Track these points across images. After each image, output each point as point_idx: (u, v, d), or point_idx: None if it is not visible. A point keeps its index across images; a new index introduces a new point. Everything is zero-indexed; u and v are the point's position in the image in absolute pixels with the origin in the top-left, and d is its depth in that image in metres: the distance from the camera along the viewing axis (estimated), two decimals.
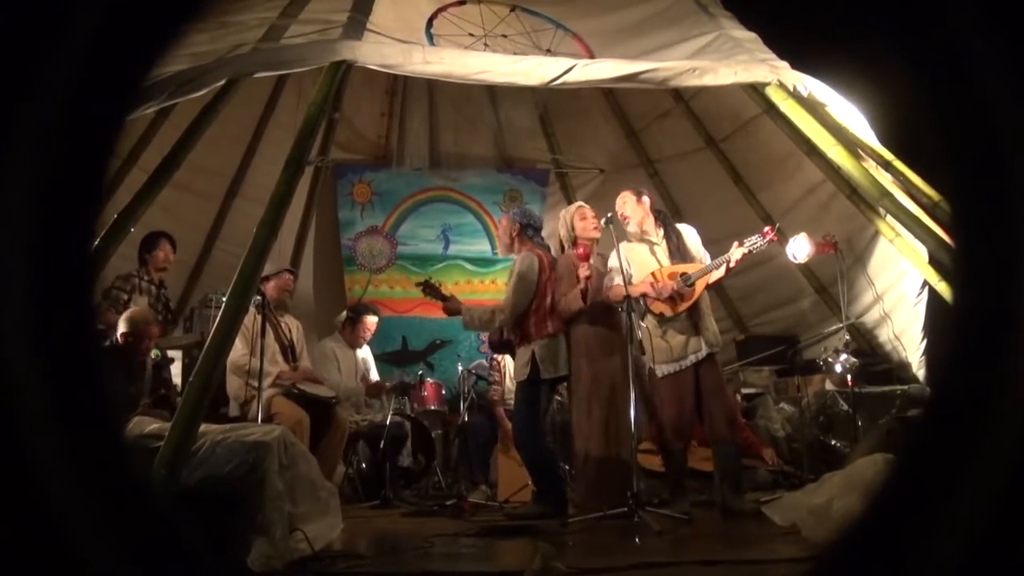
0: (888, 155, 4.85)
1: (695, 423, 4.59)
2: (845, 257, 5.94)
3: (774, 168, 6.70)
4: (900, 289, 6.12)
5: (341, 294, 7.38)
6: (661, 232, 4.71)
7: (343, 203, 7.52)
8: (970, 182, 1.24)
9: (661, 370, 4.53)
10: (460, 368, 6.01)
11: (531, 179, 7.84)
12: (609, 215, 4.57)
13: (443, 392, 6.55)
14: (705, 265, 4.54)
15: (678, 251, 4.63)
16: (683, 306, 4.50)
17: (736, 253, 4.40)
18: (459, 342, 7.29)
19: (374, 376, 6.23)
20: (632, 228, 4.70)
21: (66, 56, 1.26)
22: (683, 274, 4.50)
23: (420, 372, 6.41)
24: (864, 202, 5.84)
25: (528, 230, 4.88)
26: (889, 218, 5.34)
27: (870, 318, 6.52)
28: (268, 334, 4.91)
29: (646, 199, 4.76)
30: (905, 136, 5.15)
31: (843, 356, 5.61)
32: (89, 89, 1.29)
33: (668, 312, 4.52)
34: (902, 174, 4.75)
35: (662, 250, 4.66)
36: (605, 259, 4.77)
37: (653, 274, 4.56)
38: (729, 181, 7.12)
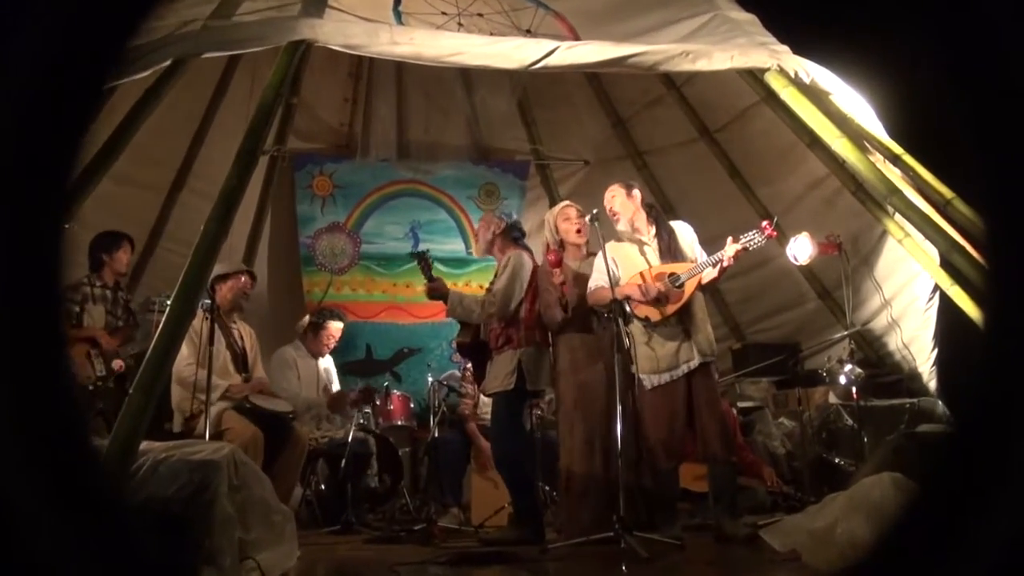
0: (897, 148, 4.90)
1: (687, 439, 4.58)
2: (850, 259, 5.99)
3: (774, 162, 6.74)
4: (909, 294, 6.18)
5: (299, 297, 7.33)
6: (653, 230, 4.69)
7: (301, 197, 7.47)
8: (1009, 192, 1.23)
9: (649, 381, 4.51)
10: (430, 379, 5.98)
11: (509, 172, 7.83)
12: (595, 212, 4.53)
13: (411, 406, 6.53)
14: (696, 264, 4.51)
15: (669, 250, 4.61)
16: (671, 309, 4.47)
17: (730, 250, 4.36)
18: (429, 351, 7.27)
19: (336, 388, 6.20)
20: (622, 226, 4.69)
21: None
22: (671, 274, 4.48)
23: (386, 383, 6.38)
24: (871, 199, 5.89)
25: (513, 230, 4.92)
26: (898, 217, 5.39)
27: (877, 325, 6.58)
28: (218, 341, 4.87)
29: (637, 193, 4.75)
30: (916, 128, 5.21)
31: (848, 366, 5.65)
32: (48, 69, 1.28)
33: (655, 316, 4.49)
34: (912, 169, 4.80)
35: (652, 249, 4.64)
36: (592, 262, 4.76)
37: (641, 274, 4.54)
38: (725, 175, 7.15)
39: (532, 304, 4.66)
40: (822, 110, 4.78)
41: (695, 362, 4.46)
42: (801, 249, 5.44)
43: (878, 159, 4.90)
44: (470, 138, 7.90)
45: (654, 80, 7.04)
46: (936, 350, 6.20)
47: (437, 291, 4.82)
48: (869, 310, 6.57)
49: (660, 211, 4.88)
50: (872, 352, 6.68)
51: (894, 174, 4.86)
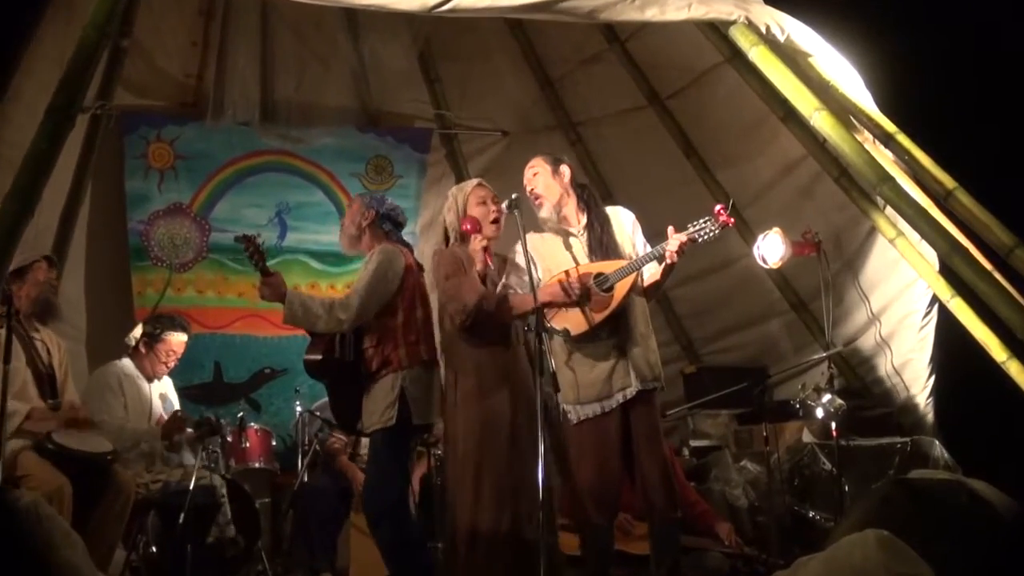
0: (890, 126, 5.03)
1: (624, 488, 4.61)
2: (831, 262, 6.11)
3: (739, 138, 6.87)
4: (902, 307, 6.35)
5: (127, 300, 7.21)
6: (584, 219, 4.66)
7: (133, 169, 7.34)
8: None
9: (575, 413, 4.49)
10: (299, 409, 5.91)
11: (405, 142, 7.82)
12: (514, 196, 4.42)
13: (273, 443, 6.46)
14: (629, 262, 4.45)
15: (601, 244, 4.57)
16: (595, 318, 4.43)
17: (672, 243, 4.31)
18: (297, 372, 7.16)
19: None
20: (545, 212, 4.65)
21: None
22: (598, 274, 4.44)
23: (241, 414, 6.28)
24: (857, 188, 6.04)
25: (385, 221, 4.87)
26: (889, 210, 5.54)
27: (863, 345, 6.75)
28: (16, 355, 4.73)
29: (565, 170, 4.71)
30: (914, 102, 5.37)
31: (826, 397, 5.75)
32: None
33: (575, 328, 4.44)
34: (908, 152, 4.94)
35: (581, 243, 4.62)
36: (504, 262, 4.74)
37: (567, 272, 4.48)
38: (679, 153, 7.26)
39: (410, 311, 4.63)
40: (799, 75, 4.88)
41: (632, 390, 4.43)
42: (771, 249, 5.53)
43: (867, 138, 5.03)
44: (356, 99, 7.85)
45: (593, 32, 7.11)
46: (933, 377, 6.38)
47: (271, 291, 4.59)
48: (853, 326, 6.73)
49: (594, 195, 4.83)
50: (856, 379, 6.85)
51: (886, 158, 4.99)
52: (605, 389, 4.45)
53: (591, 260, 4.54)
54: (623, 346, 4.48)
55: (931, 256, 5.44)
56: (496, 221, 4.74)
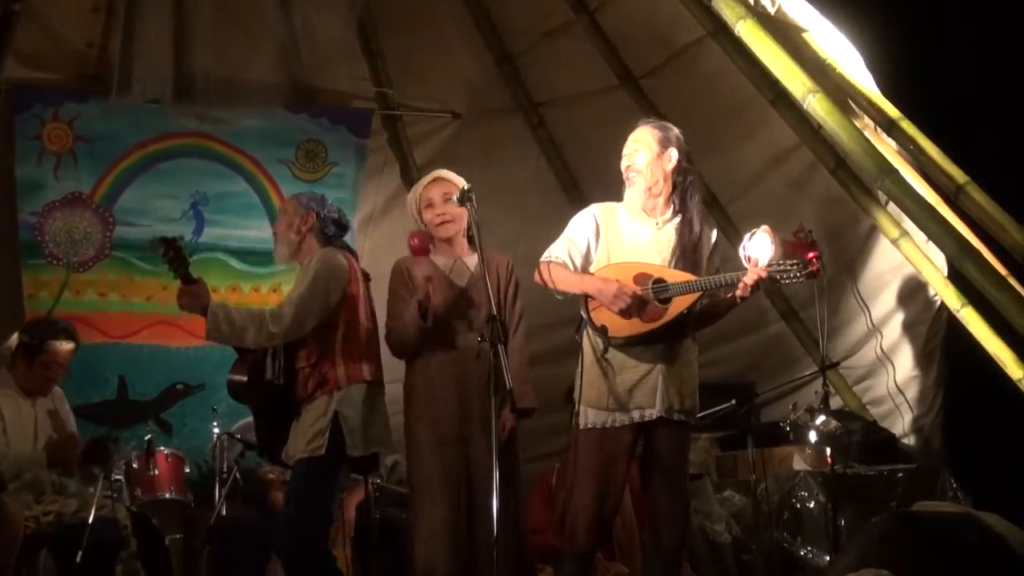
0: (894, 111, 5.08)
1: (613, 517, 4.62)
2: (827, 266, 6.15)
3: (723, 123, 6.89)
4: (907, 316, 6.40)
5: (16, 304, 7.13)
6: (670, 213, 4.58)
7: (25, 152, 7.26)
8: None
9: (587, 417, 4.46)
10: (216, 431, 5.86)
11: (342, 125, 7.81)
12: (465, 187, 4.51)
13: (186, 470, 6.42)
14: (698, 279, 4.39)
15: (692, 251, 4.51)
16: (641, 328, 4.41)
17: (750, 275, 4.28)
18: (214, 388, 7.14)
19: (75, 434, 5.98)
20: (634, 194, 4.57)
21: None
22: (658, 280, 4.42)
23: (149, 436, 6.24)
24: (856, 182, 6.08)
25: (328, 224, 4.81)
26: (892, 207, 5.59)
27: (862, 360, 6.80)
28: None
29: (673, 155, 4.55)
30: (923, 85, 5.41)
31: (820, 418, 5.78)
32: None
33: (613, 329, 4.42)
34: (914, 141, 4.99)
35: (661, 239, 4.55)
36: (492, 264, 4.72)
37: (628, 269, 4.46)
38: None
39: (352, 325, 4.60)
40: (791, 53, 4.92)
41: (651, 412, 4.41)
42: (759, 249, 5.52)
43: (867, 125, 5.07)
44: (285, 74, 7.79)
45: (557, 1, 7.12)
46: (941, 396, 6.43)
47: (192, 298, 4.51)
48: (851, 339, 6.78)
49: (699, 186, 4.71)
50: (854, 398, 6.89)
51: (889, 147, 5.04)
52: (622, 401, 4.43)
53: (674, 264, 4.51)
54: (659, 364, 4.45)
55: (939, 259, 5.49)
56: (444, 223, 4.79)
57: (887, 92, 5.21)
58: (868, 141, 4.84)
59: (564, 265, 4.48)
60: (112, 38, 7.46)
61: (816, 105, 4.83)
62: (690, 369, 4.56)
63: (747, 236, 4.99)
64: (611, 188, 6.68)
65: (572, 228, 4.60)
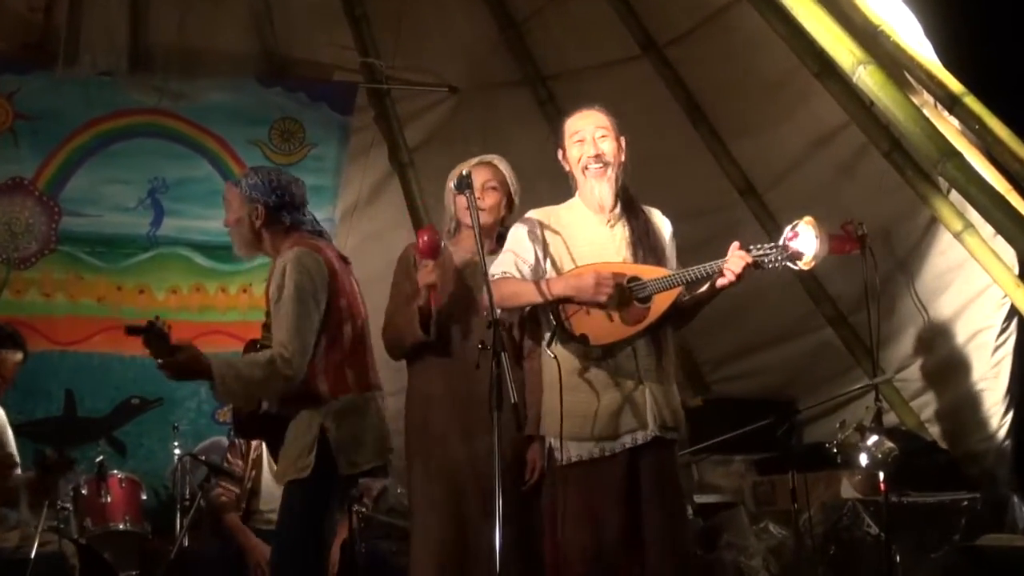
0: (958, 86, 5.05)
1: (621, 558, 4.61)
2: (879, 262, 6.14)
3: (759, 98, 6.90)
4: (971, 322, 6.38)
5: None
6: (619, 206, 4.65)
7: None
8: None
9: (569, 451, 4.44)
10: (177, 452, 5.85)
11: (322, 100, 7.82)
12: (464, 172, 4.51)
13: (143, 496, 6.39)
14: (674, 273, 4.43)
15: (648, 241, 4.57)
16: (630, 330, 4.42)
17: (734, 261, 4.31)
18: (175, 403, 7.18)
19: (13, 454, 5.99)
20: (600, 188, 4.62)
21: None
22: (632, 279, 4.43)
23: (100, 458, 6.23)
24: (914, 167, 6.06)
25: (282, 212, 4.72)
26: (955, 195, 5.57)
27: (919, 372, 6.77)
28: None
29: (622, 141, 4.71)
30: (990, 56, 5.38)
31: (872, 439, 5.77)
32: None
33: (594, 337, 4.41)
34: (980, 120, 4.96)
35: (615, 235, 4.61)
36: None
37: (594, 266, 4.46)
38: (682, 117, 7.26)
39: (337, 327, 4.59)
40: (840, 19, 4.89)
41: (645, 434, 4.39)
42: (803, 244, 5.52)
43: (927, 102, 5.05)
44: (257, 42, 7.82)
45: None
46: (1011, 413, 6.41)
47: (182, 368, 4.36)
48: (907, 347, 6.77)
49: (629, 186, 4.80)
50: (911, 415, 6.88)
51: (950, 127, 5.01)
52: (610, 427, 4.40)
53: (634, 259, 4.54)
54: (643, 377, 4.45)
55: (1008, 256, 5.46)
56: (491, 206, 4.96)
57: (949, 64, 5.19)
58: (927, 119, 4.82)
59: (515, 279, 4.46)
60: (59, 1, 7.47)
61: (867, 78, 4.80)
62: (672, 381, 4.58)
63: (788, 228, 5.00)
64: (629, 172, 6.70)
65: (512, 242, 4.60)
